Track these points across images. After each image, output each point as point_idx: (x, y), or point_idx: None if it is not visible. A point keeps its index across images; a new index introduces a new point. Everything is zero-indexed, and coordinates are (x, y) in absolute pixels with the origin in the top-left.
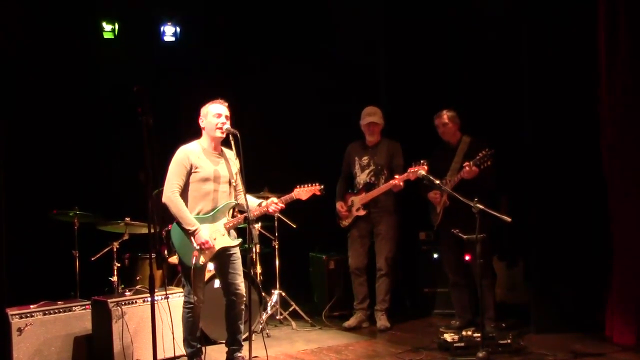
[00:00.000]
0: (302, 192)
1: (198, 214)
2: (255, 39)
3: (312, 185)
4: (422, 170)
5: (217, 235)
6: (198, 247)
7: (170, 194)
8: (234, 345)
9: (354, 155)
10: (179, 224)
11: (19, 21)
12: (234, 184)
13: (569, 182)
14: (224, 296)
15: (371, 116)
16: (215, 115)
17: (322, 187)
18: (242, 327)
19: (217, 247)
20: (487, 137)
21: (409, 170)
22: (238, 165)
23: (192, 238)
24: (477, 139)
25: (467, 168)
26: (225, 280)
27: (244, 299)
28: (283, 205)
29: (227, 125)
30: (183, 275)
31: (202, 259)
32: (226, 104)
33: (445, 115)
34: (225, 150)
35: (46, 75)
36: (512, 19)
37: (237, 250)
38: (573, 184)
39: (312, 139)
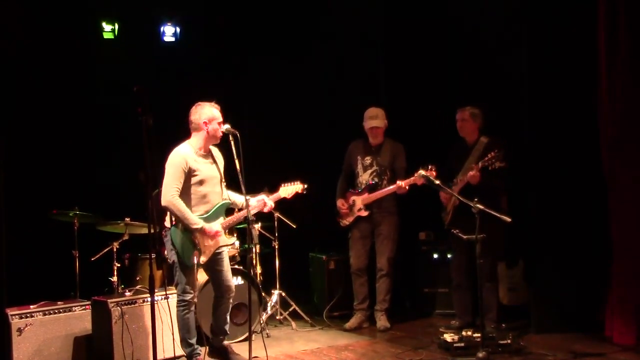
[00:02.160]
0: (287, 191)
1: (196, 215)
2: (255, 39)
3: (294, 184)
4: (422, 171)
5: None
6: (198, 247)
7: (170, 197)
8: (220, 334)
9: (356, 154)
10: (177, 225)
11: (19, 21)
12: (224, 182)
13: (569, 182)
14: (214, 290)
15: (373, 120)
16: (219, 122)
17: (305, 186)
18: (228, 318)
19: (218, 244)
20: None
21: (415, 175)
22: (224, 163)
23: (193, 237)
24: (494, 140)
25: (472, 172)
26: (216, 278)
27: (233, 293)
28: (272, 204)
29: (227, 125)
30: (181, 273)
31: (202, 258)
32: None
33: (468, 112)
34: (212, 148)
35: (46, 75)
36: (512, 19)
37: (224, 249)
38: (573, 184)
39: (312, 138)
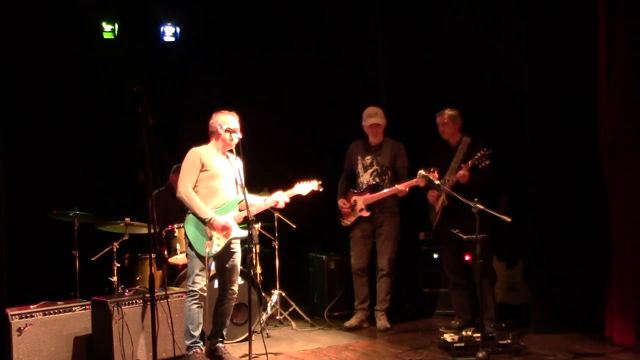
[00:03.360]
0: (303, 188)
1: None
2: (254, 39)
3: (311, 182)
4: (422, 171)
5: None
6: (210, 237)
7: (184, 189)
8: (217, 337)
9: (356, 154)
10: (195, 215)
11: (19, 21)
12: (240, 182)
13: (569, 182)
14: (218, 288)
15: (373, 117)
16: (233, 129)
17: (320, 182)
18: (228, 322)
19: (230, 236)
20: (487, 137)
21: (417, 176)
22: (240, 165)
23: (206, 228)
24: (477, 140)
25: (462, 172)
26: (223, 274)
27: (235, 295)
28: (288, 200)
29: (227, 125)
30: (192, 263)
31: (214, 249)
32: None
33: (447, 115)
34: (229, 154)
35: (46, 76)
36: (512, 18)
37: (238, 250)
38: (573, 184)
39: (312, 138)
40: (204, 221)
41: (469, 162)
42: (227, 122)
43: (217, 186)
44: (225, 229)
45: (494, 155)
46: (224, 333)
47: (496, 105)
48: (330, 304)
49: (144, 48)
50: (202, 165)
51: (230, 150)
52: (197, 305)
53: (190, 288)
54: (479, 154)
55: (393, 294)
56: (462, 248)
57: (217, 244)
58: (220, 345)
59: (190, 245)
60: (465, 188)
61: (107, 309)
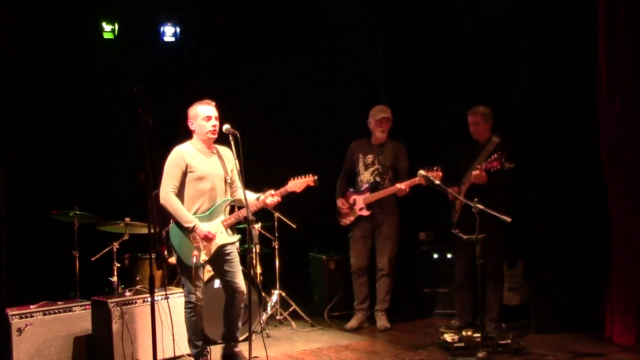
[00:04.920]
0: (297, 184)
1: (195, 212)
2: (255, 38)
3: (306, 177)
4: (422, 171)
5: (216, 232)
6: (197, 246)
7: (165, 194)
8: (231, 340)
9: (358, 152)
10: (178, 224)
11: (19, 21)
12: (230, 181)
13: (569, 182)
14: (225, 294)
15: (383, 112)
16: (204, 118)
17: (315, 177)
18: (240, 324)
19: (218, 243)
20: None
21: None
22: (233, 162)
23: (192, 236)
24: (506, 141)
25: (476, 172)
26: (224, 280)
27: (244, 296)
28: (279, 199)
29: (227, 125)
30: (183, 275)
31: (202, 258)
32: (214, 104)
33: (480, 114)
34: (219, 147)
35: (46, 76)
36: (512, 19)
37: (234, 249)
38: (573, 184)
39: (312, 138)
40: (187, 230)
41: (482, 164)
42: (198, 114)
43: (205, 188)
44: (207, 239)
45: (513, 158)
46: (237, 335)
47: (496, 105)
48: (330, 304)
49: (144, 48)
50: (187, 167)
51: (217, 142)
52: (195, 316)
53: (187, 299)
54: (492, 157)
55: (393, 294)
56: (472, 249)
57: (205, 253)
58: (237, 349)
59: (177, 255)
60: (484, 188)
61: (107, 309)
